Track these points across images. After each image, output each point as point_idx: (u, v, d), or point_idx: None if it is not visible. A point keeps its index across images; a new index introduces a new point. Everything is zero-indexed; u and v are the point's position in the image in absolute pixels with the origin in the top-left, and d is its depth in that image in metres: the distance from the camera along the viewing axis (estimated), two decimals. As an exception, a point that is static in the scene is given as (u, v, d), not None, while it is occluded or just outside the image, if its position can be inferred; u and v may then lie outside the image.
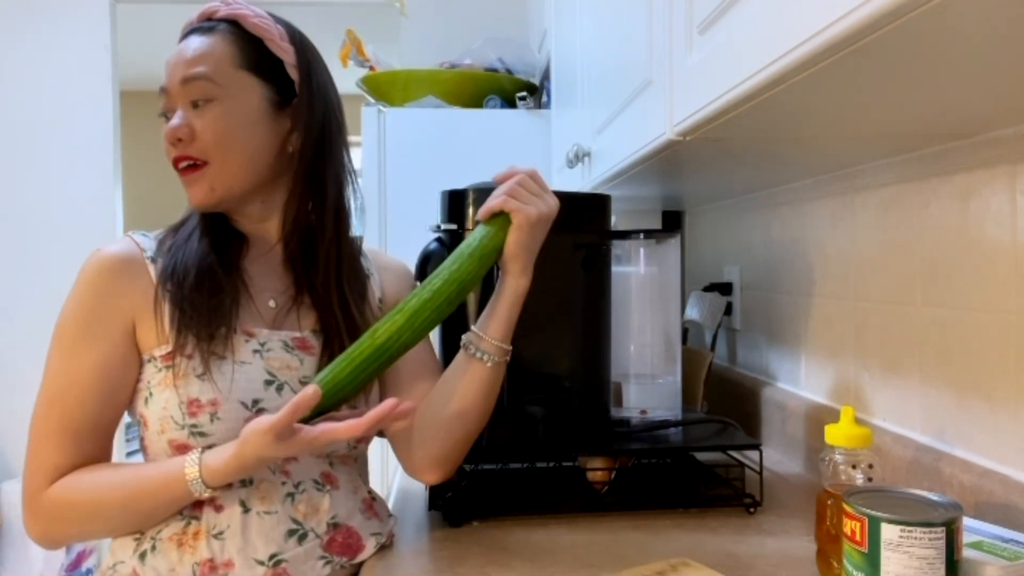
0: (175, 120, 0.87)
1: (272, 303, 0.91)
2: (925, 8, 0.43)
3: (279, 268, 0.93)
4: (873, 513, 0.63)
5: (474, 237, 0.87)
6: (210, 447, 0.81)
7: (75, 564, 2.80)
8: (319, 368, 0.87)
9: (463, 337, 0.90)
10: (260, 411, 0.83)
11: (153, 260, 0.88)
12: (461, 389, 0.89)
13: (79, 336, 0.84)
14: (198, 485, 0.79)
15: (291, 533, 0.83)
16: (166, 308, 0.85)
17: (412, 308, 0.83)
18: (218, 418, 0.82)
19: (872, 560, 0.63)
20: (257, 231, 0.94)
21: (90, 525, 0.83)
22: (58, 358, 0.85)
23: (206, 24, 0.90)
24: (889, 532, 0.62)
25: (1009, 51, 0.53)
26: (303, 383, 0.86)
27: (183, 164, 0.88)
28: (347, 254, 0.95)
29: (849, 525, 0.66)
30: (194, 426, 0.82)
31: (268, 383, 0.85)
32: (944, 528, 0.61)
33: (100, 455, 0.86)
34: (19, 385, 2.68)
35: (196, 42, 0.88)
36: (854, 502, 0.65)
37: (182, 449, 0.82)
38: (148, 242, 0.90)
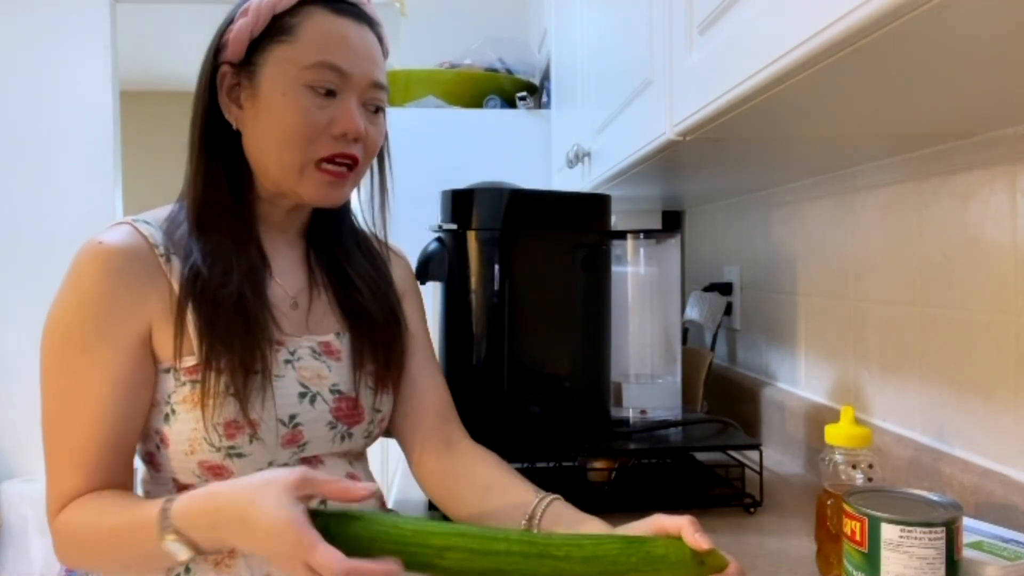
0: (360, 119, 0.81)
1: (295, 303, 0.86)
2: (925, 8, 0.43)
3: (299, 263, 0.89)
4: (873, 513, 0.63)
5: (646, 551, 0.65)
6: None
7: (75, 564, 2.80)
8: (353, 374, 0.85)
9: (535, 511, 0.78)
10: (296, 427, 0.80)
11: (167, 258, 0.78)
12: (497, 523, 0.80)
13: (88, 345, 0.75)
14: (165, 521, 0.68)
15: None
16: (190, 321, 0.76)
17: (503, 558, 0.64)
18: (257, 438, 0.77)
19: (872, 560, 0.63)
20: (286, 219, 0.88)
21: (95, 557, 0.75)
22: (64, 370, 0.75)
23: (364, 15, 0.84)
24: (889, 532, 0.62)
25: (1009, 51, 0.53)
26: (333, 392, 0.84)
27: (343, 162, 0.81)
28: (366, 243, 0.95)
29: (849, 525, 0.66)
30: (231, 448, 0.77)
31: (302, 396, 0.81)
32: (944, 528, 0.61)
33: (122, 477, 0.78)
34: (20, 386, 2.68)
35: (371, 40, 0.84)
36: (854, 502, 0.65)
37: (215, 471, 0.78)
38: (155, 232, 0.80)
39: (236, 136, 0.83)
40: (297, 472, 0.66)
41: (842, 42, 0.50)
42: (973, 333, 0.86)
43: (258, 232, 0.85)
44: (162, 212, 0.84)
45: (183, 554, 0.68)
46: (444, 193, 1.09)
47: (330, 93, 0.80)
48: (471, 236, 1.05)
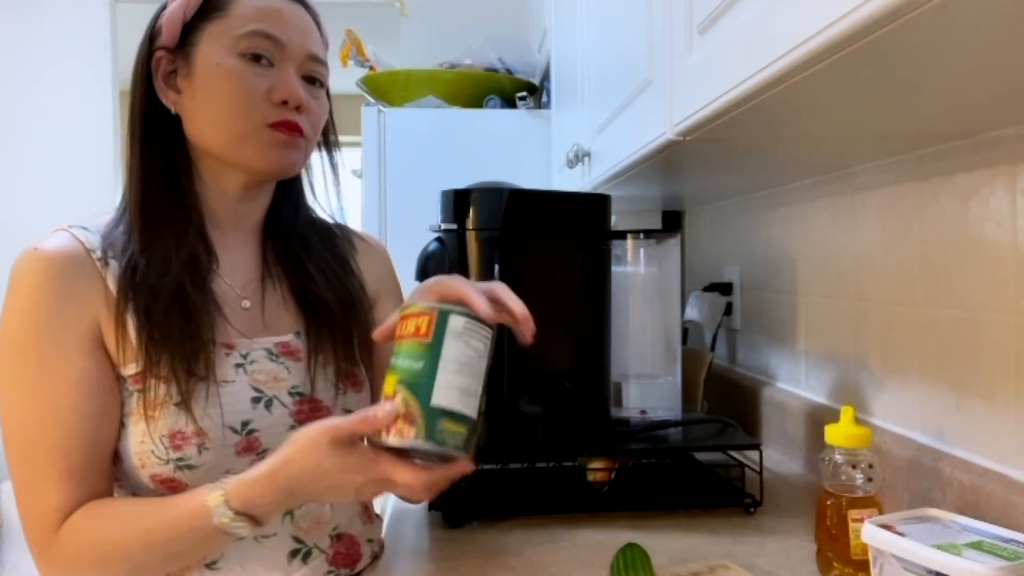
0: (300, 89, 0.80)
1: (247, 303, 0.83)
2: (925, 8, 0.43)
3: (252, 260, 0.86)
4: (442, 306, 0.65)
5: None
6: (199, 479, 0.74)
7: (75, 564, 2.80)
8: (309, 374, 0.82)
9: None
10: (251, 433, 0.77)
11: (104, 261, 0.76)
12: None
13: (42, 353, 0.72)
14: (222, 510, 0.68)
15: (294, 553, 0.78)
16: (130, 321, 0.74)
17: None
18: (206, 448, 0.74)
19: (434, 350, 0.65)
20: (236, 213, 0.85)
21: (109, 567, 0.72)
22: (24, 383, 0.72)
23: None
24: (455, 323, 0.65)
25: (1009, 51, 0.53)
26: (293, 395, 0.80)
27: (291, 130, 0.80)
28: (326, 233, 0.93)
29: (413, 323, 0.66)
30: (180, 459, 0.74)
31: (256, 400, 0.78)
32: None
33: (105, 485, 0.75)
34: (19, 385, 2.67)
35: (306, 17, 0.83)
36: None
37: (167, 484, 0.74)
38: (91, 237, 0.77)
39: (175, 123, 0.82)
40: (326, 433, 0.66)
41: (842, 42, 0.50)
42: (973, 333, 0.86)
43: (204, 226, 0.82)
44: (104, 218, 0.81)
45: (245, 531, 0.69)
46: (444, 193, 1.09)
47: (266, 62, 0.79)
48: (471, 236, 1.05)
